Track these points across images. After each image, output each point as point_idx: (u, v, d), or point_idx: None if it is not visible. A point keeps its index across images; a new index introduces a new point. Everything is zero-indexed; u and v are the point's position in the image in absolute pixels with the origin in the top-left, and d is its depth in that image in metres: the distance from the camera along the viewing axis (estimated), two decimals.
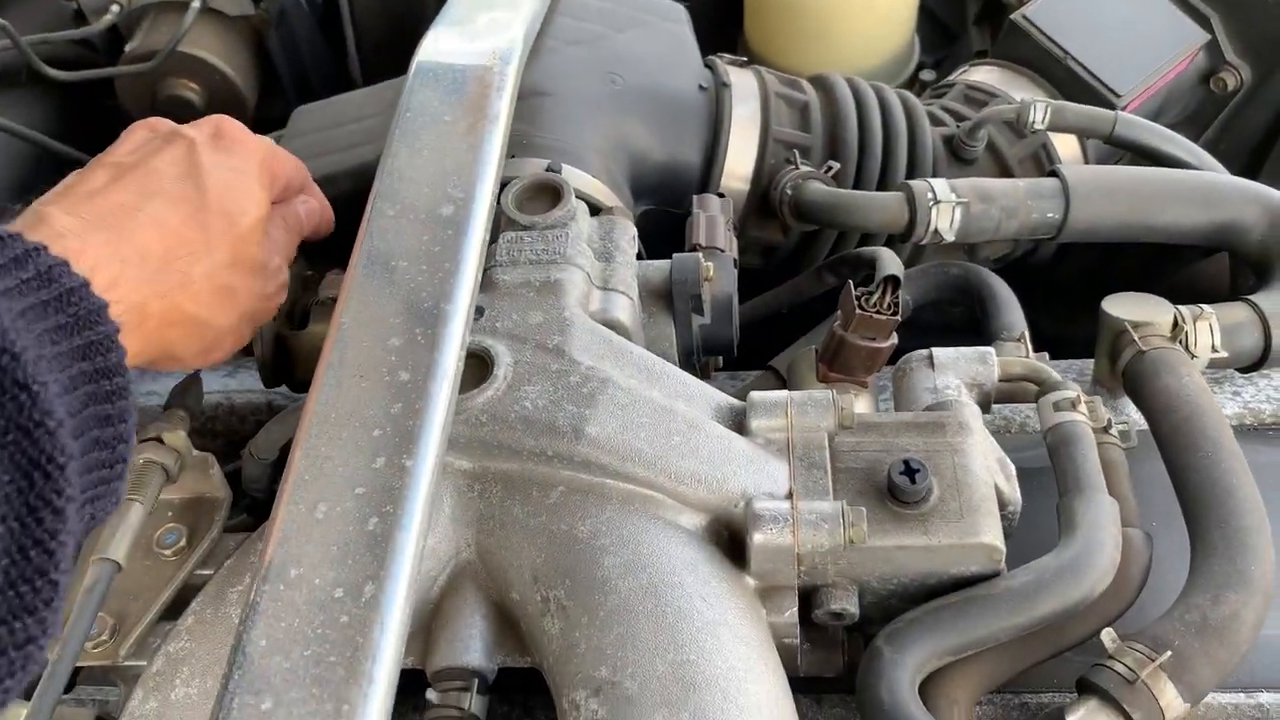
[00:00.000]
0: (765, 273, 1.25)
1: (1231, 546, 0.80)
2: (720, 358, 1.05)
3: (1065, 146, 1.26)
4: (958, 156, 1.21)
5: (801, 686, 0.84)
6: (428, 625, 0.78)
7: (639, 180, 1.11)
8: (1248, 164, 1.49)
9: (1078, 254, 1.49)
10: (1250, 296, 1.02)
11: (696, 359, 0.98)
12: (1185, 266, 1.43)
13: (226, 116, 0.86)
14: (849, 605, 0.79)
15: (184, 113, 1.59)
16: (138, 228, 0.72)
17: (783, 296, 1.17)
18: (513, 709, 0.86)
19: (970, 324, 1.12)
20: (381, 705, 0.58)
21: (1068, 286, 1.47)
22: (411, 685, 0.76)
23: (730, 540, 0.78)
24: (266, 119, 1.63)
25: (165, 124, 0.83)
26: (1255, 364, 1.02)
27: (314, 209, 0.92)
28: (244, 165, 0.81)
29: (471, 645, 0.76)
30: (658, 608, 0.71)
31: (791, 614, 0.77)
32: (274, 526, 0.65)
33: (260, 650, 0.60)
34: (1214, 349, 0.99)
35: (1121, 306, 1.01)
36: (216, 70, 1.57)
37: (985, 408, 0.94)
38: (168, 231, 0.74)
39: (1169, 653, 0.74)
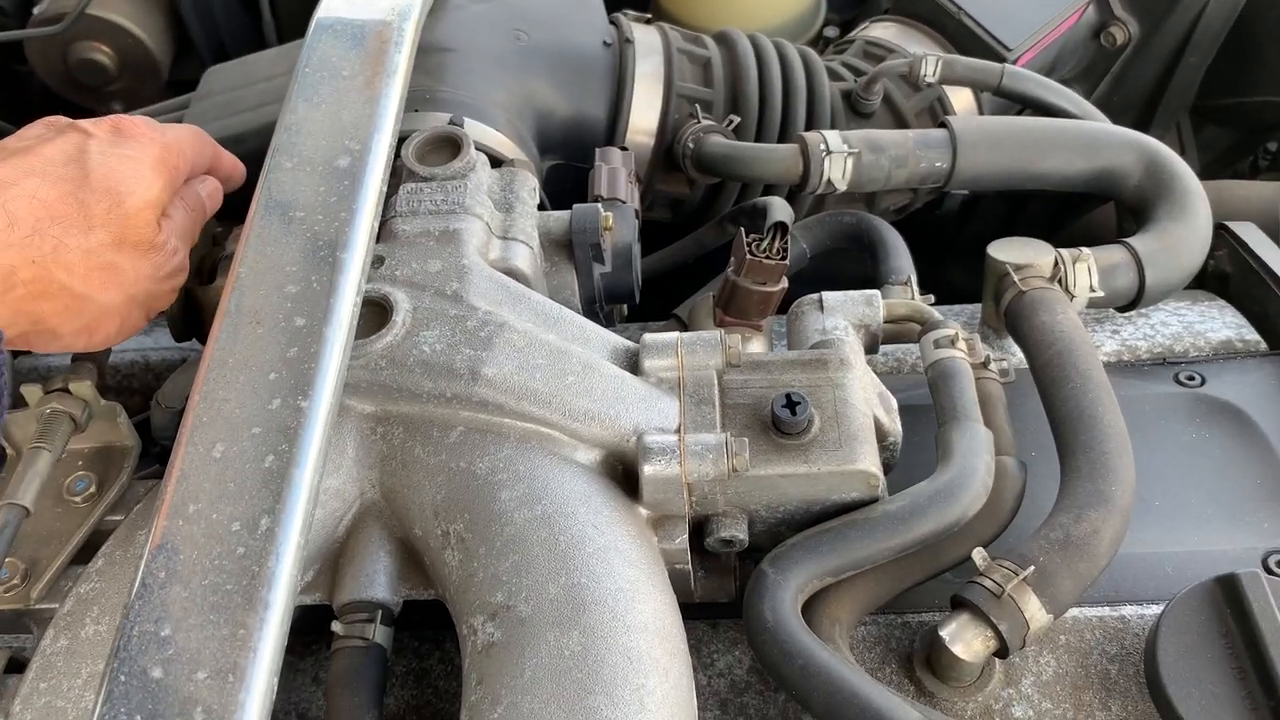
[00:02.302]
0: (674, 225, 1.28)
1: (1094, 469, 0.85)
2: (625, 305, 1.08)
3: (961, 100, 1.31)
4: (856, 110, 1.25)
5: (697, 612, 0.89)
6: (335, 563, 0.82)
7: (545, 135, 1.14)
8: (1140, 116, 1.55)
9: (986, 208, 1.55)
10: (1127, 239, 1.07)
11: (600, 307, 1.01)
12: (1084, 215, 1.49)
13: (128, 116, 0.87)
14: (738, 532, 0.83)
15: (96, 76, 1.59)
16: (10, 200, 0.74)
17: (688, 247, 1.21)
18: (423, 643, 0.90)
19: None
20: (277, 629, 0.61)
21: (978, 239, 1.53)
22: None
23: (624, 473, 0.82)
24: (181, 82, 1.63)
25: (63, 120, 0.84)
26: (1131, 303, 1.07)
27: (214, 189, 0.94)
28: (137, 153, 0.82)
29: (376, 580, 0.79)
30: (551, 536, 0.74)
31: (682, 541, 0.81)
32: (174, 466, 0.68)
33: (159, 581, 0.63)
34: (1092, 289, 1.04)
35: (1005, 251, 1.05)
36: (128, 33, 1.57)
37: (874, 348, 0.98)
38: (41, 204, 0.76)
39: (1032, 568, 0.79)
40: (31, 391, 0.85)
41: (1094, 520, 0.82)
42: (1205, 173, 1.67)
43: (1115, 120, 1.32)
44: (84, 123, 0.84)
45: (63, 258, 0.76)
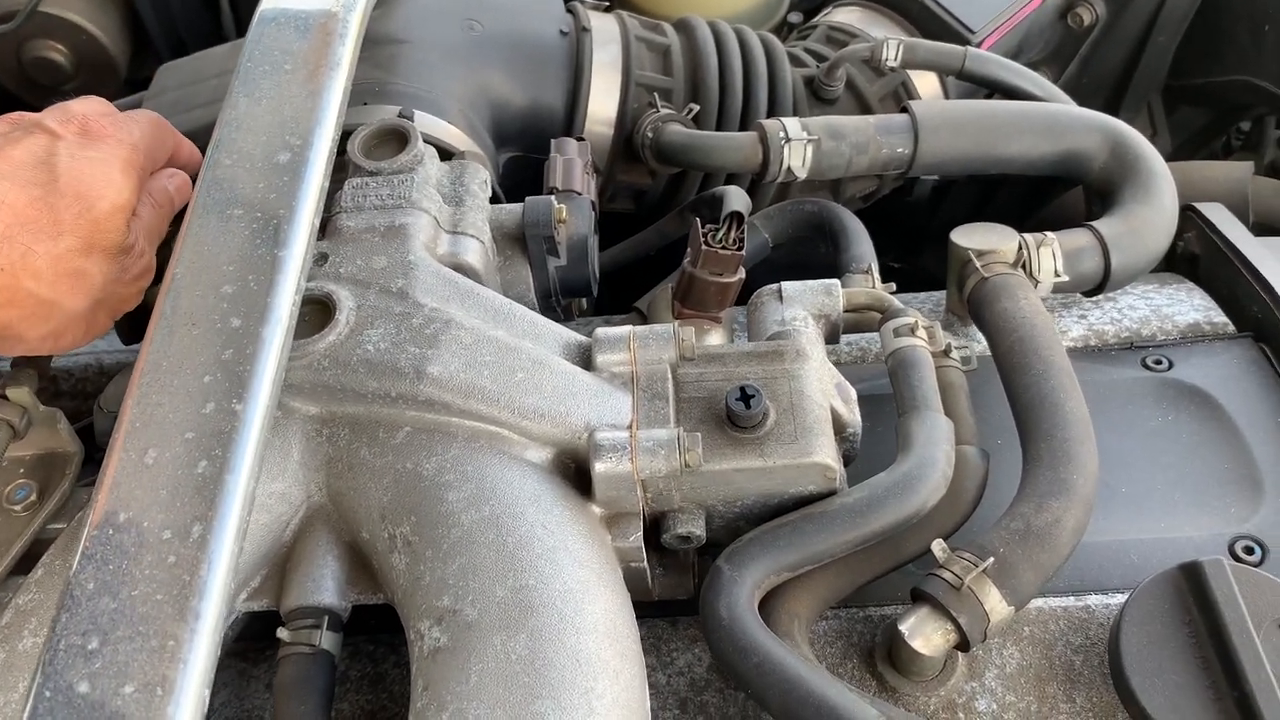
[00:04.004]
0: (637, 216, 1.26)
1: (1056, 457, 0.84)
2: (585, 300, 1.07)
3: (926, 85, 1.29)
4: (818, 96, 1.23)
5: (657, 610, 0.87)
6: (283, 568, 0.80)
7: (501, 126, 1.12)
8: (1109, 98, 1.53)
9: (957, 194, 1.53)
10: (1092, 222, 1.06)
11: (556, 301, 0.99)
12: (1055, 200, 1.48)
13: (96, 113, 0.85)
14: (695, 528, 0.82)
15: (52, 75, 1.57)
16: None
17: (650, 239, 1.19)
18: (378, 648, 0.88)
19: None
20: (208, 640, 0.60)
21: (949, 226, 1.51)
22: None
23: (577, 471, 0.80)
24: (140, 80, 1.61)
25: (30, 118, 0.82)
26: (1097, 287, 1.06)
27: (184, 184, 0.92)
28: (106, 155, 0.81)
29: (324, 585, 0.78)
30: (498, 538, 0.73)
31: (637, 538, 0.79)
32: (105, 474, 0.66)
33: (88, 593, 0.61)
34: (1057, 273, 1.03)
35: (969, 237, 1.04)
36: (83, 31, 1.54)
37: (834, 337, 0.97)
38: (9, 209, 0.74)
39: (991, 559, 0.78)
40: None
41: (1055, 509, 0.81)
42: (1179, 153, 1.67)
43: (1085, 102, 1.30)
44: (51, 121, 0.82)
45: (31, 264, 0.75)
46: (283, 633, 0.76)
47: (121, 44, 1.59)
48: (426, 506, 0.75)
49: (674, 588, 0.86)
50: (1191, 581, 0.79)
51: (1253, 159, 1.56)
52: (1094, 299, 1.10)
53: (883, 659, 0.83)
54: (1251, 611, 0.76)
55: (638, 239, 1.20)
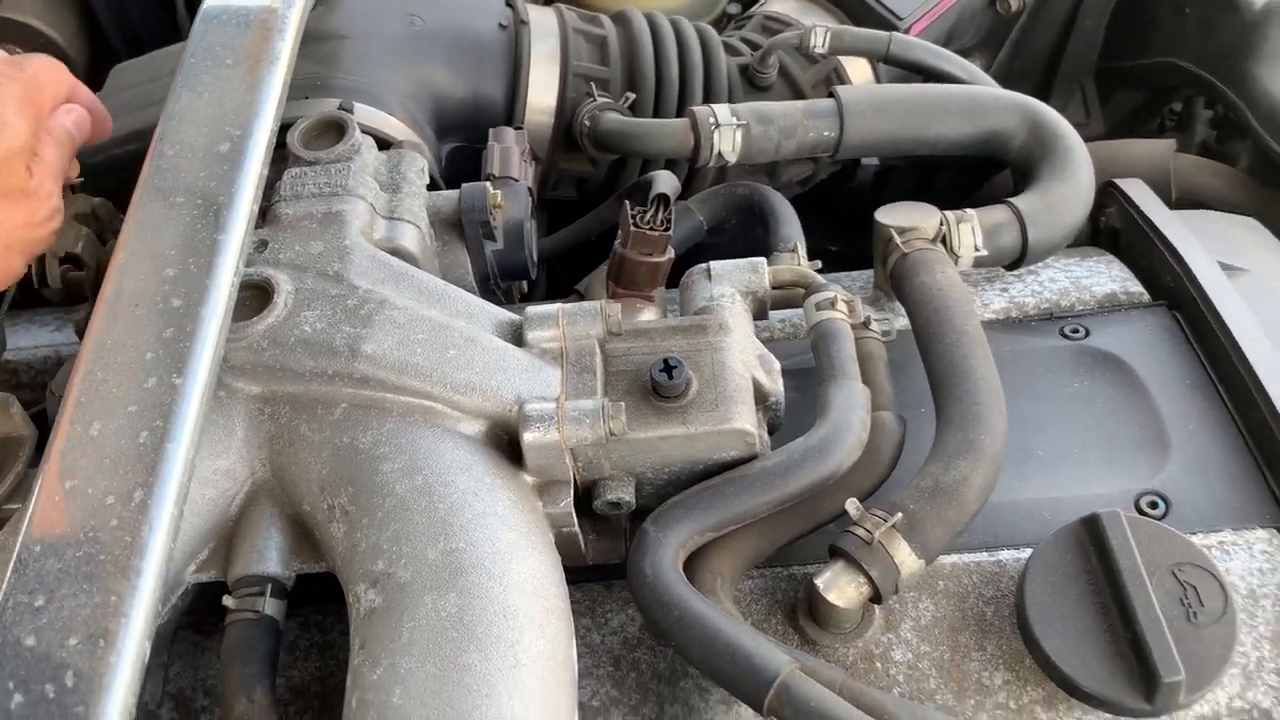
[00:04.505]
0: (581, 203, 1.31)
1: (965, 420, 0.89)
2: (525, 282, 1.11)
3: (859, 72, 1.34)
4: (753, 84, 1.27)
5: (592, 574, 0.92)
6: (229, 541, 0.84)
7: (443, 118, 1.16)
8: (1041, 81, 1.58)
9: (899, 179, 1.57)
10: (1011, 199, 1.10)
11: (495, 283, 1.03)
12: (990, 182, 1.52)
13: None
14: (625, 495, 0.86)
15: None
16: None
17: (590, 224, 1.23)
18: (326, 617, 0.92)
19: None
20: (149, 596, 0.64)
21: None
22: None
23: (510, 443, 0.84)
24: (99, 82, 1.64)
25: None
26: (1017, 260, 1.10)
27: (82, 118, 0.92)
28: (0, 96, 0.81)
29: (268, 555, 0.82)
30: (430, 505, 0.77)
31: (567, 504, 0.83)
32: (53, 445, 0.70)
33: (34, 555, 0.65)
34: (976, 248, 1.07)
35: (892, 215, 1.08)
36: (40, 34, 1.57)
37: (762, 313, 1.01)
38: None
39: (900, 514, 0.82)
40: None
41: (963, 468, 0.85)
42: (1115, 135, 1.72)
43: (1017, 86, 1.35)
44: None
45: None
46: (228, 600, 0.80)
47: (79, 46, 1.62)
48: (362, 478, 0.79)
49: (607, 552, 0.90)
50: (1091, 533, 0.84)
51: (1184, 139, 1.61)
52: (1016, 272, 1.15)
53: (804, 614, 0.88)
54: (1145, 559, 0.81)
55: (579, 225, 1.24)
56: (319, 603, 0.93)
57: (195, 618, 0.92)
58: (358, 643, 0.73)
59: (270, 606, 0.79)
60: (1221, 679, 0.81)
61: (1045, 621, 0.81)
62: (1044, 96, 1.59)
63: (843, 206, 1.56)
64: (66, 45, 1.60)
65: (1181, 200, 1.32)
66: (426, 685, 0.69)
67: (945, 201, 1.11)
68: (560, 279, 1.30)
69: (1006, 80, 1.54)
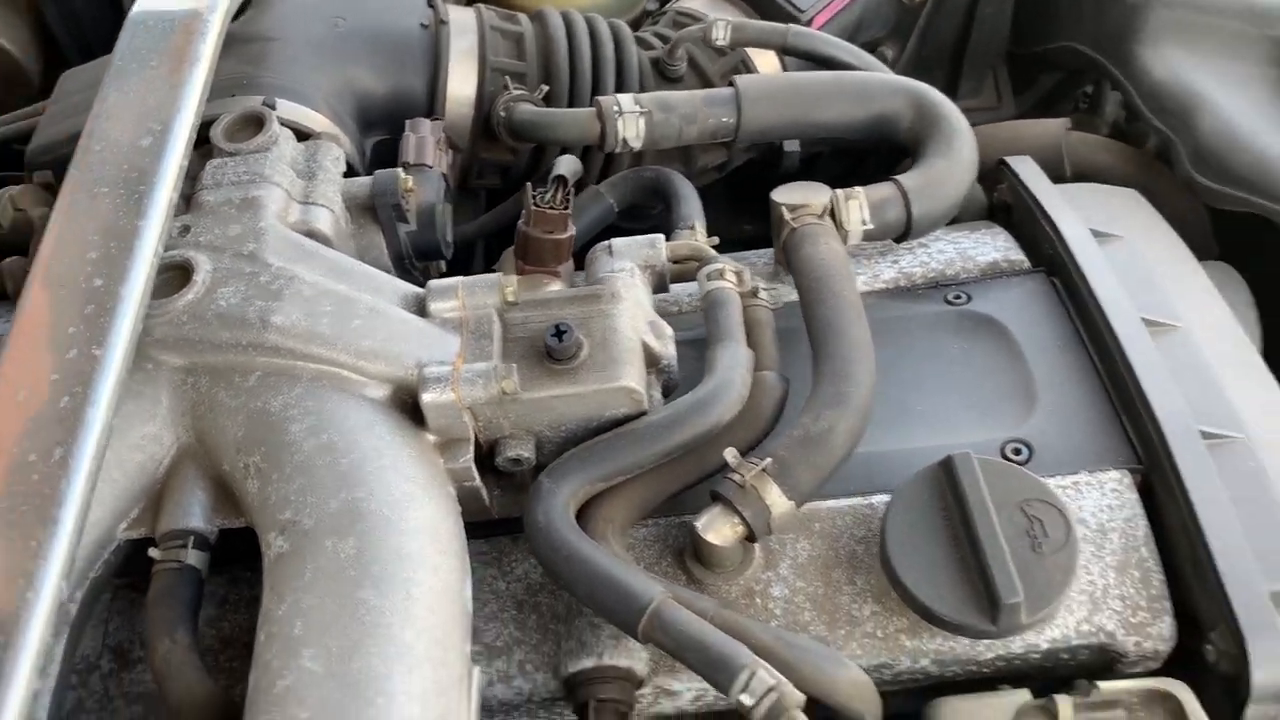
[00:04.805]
0: (504, 190, 1.38)
1: (836, 375, 0.96)
2: (443, 263, 1.18)
3: (767, 62, 1.41)
4: (664, 76, 1.35)
5: (499, 528, 0.99)
6: (158, 501, 0.91)
7: (367, 113, 1.23)
8: (950, 69, 1.66)
9: (823, 166, 1.65)
10: (896, 176, 1.18)
11: (410, 264, 1.11)
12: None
13: None
14: (524, 451, 0.93)
15: None
16: None
17: (509, 209, 1.31)
18: (255, 574, 0.99)
19: None
20: (66, 540, 0.71)
21: None
22: None
23: (413, 405, 0.91)
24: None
25: None
26: (904, 233, 1.18)
27: None
28: None
29: (192, 511, 0.89)
30: (334, 460, 0.84)
31: (467, 460, 0.91)
32: None
33: None
34: (864, 222, 1.15)
35: (786, 194, 1.16)
36: None
37: (662, 286, 1.09)
38: None
39: (769, 459, 0.90)
40: None
41: (830, 418, 0.93)
42: (1031, 116, 1.79)
43: (927, 74, 1.43)
44: None
45: None
46: (154, 552, 0.87)
47: (33, 56, 1.69)
48: (273, 438, 0.87)
49: (512, 506, 0.98)
50: (946, 474, 0.91)
51: (1096, 121, 1.68)
52: (907, 245, 1.22)
53: (690, 556, 0.95)
54: (994, 496, 0.89)
55: (499, 210, 1.31)
56: (248, 561, 1.00)
57: (133, 578, 0.99)
58: (268, 585, 0.81)
59: (193, 557, 0.87)
60: (1065, 602, 0.89)
61: (904, 555, 0.89)
62: (954, 82, 1.67)
63: (768, 191, 1.64)
64: (21, 56, 1.67)
65: (1075, 175, 1.40)
66: (324, 618, 0.76)
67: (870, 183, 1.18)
68: (482, 264, 1.38)
69: (917, 68, 1.62)
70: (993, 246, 1.23)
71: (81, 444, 0.75)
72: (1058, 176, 1.35)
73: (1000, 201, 1.32)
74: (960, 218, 1.32)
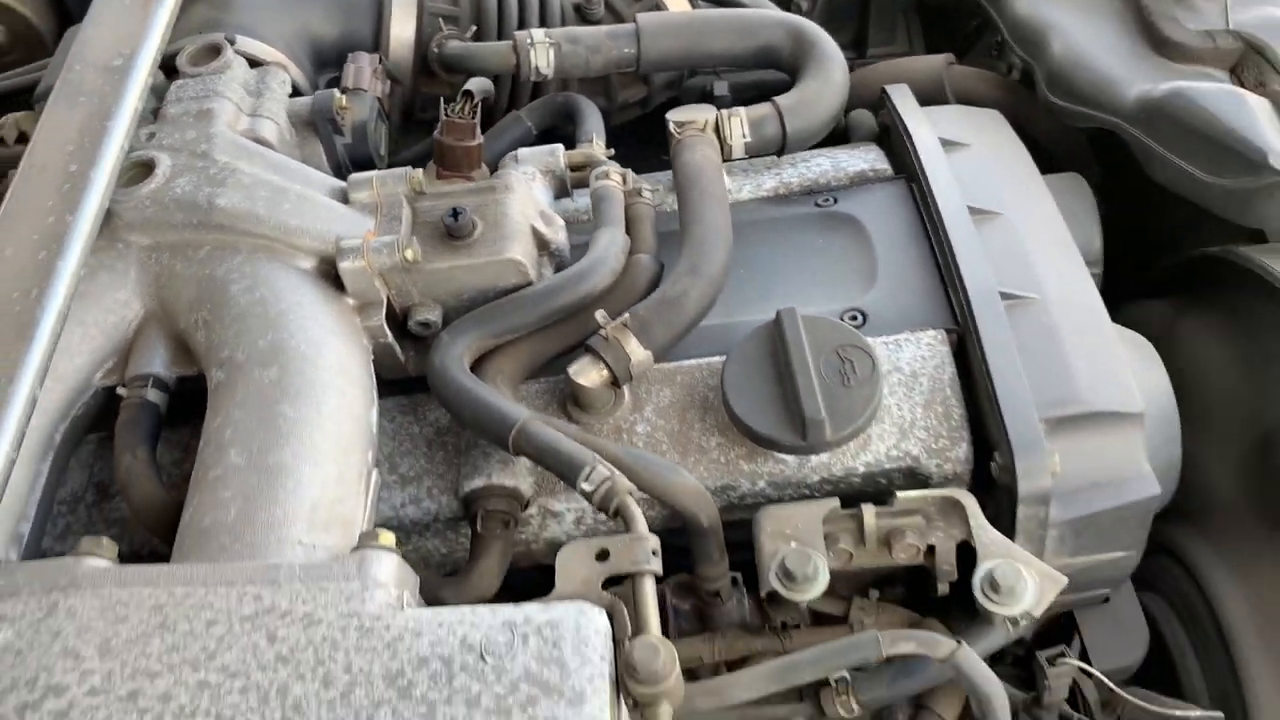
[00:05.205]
0: None
1: (693, 251, 1.15)
2: None
3: (680, 4, 1.59)
4: (584, 18, 1.53)
5: (417, 384, 1.17)
6: (126, 355, 1.10)
7: (320, 54, 1.43)
8: (859, 20, 1.82)
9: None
10: (775, 97, 1.35)
11: (347, 171, 1.29)
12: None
13: None
14: (431, 316, 1.12)
15: None
16: None
17: None
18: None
19: None
20: (40, 355, 0.89)
21: None
22: None
23: (336, 275, 1.10)
24: None
25: None
26: (781, 147, 1.35)
27: None
28: None
29: (154, 360, 1.08)
30: (264, 310, 1.04)
31: (379, 319, 1.09)
32: None
33: None
34: (744, 136, 1.32)
35: (677, 114, 1.33)
36: (13, 11, 1.85)
37: (563, 190, 1.27)
38: None
39: (627, 315, 1.08)
40: None
41: (684, 284, 1.11)
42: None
43: (840, 23, 1.61)
44: None
45: None
46: (121, 390, 1.06)
47: (48, 19, 1.90)
48: (217, 296, 1.06)
49: (424, 365, 1.16)
50: (776, 327, 1.09)
51: (999, 65, 1.83)
52: (790, 159, 1.40)
53: (570, 403, 1.14)
54: (812, 342, 1.06)
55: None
56: None
57: (111, 432, 1.19)
58: (209, 407, 1.00)
59: (153, 395, 1.06)
60: (871, 426, 1.06)
61: (738, 391, 1.07)
62: (864, 31, 1.84)
63: None
64: (37, 21, 1.88)
65: (959, 103, 1.56)
66: (249, 426, 0.95)
67: None
68: None
69: (829, 19, 1.78)
70: (863, 160, 1.40)
71: (54, 286, 0.94)
72: (941, 104, 1.52)
73: (880, 124, 1.49)
74: (852, 140, 1.50)
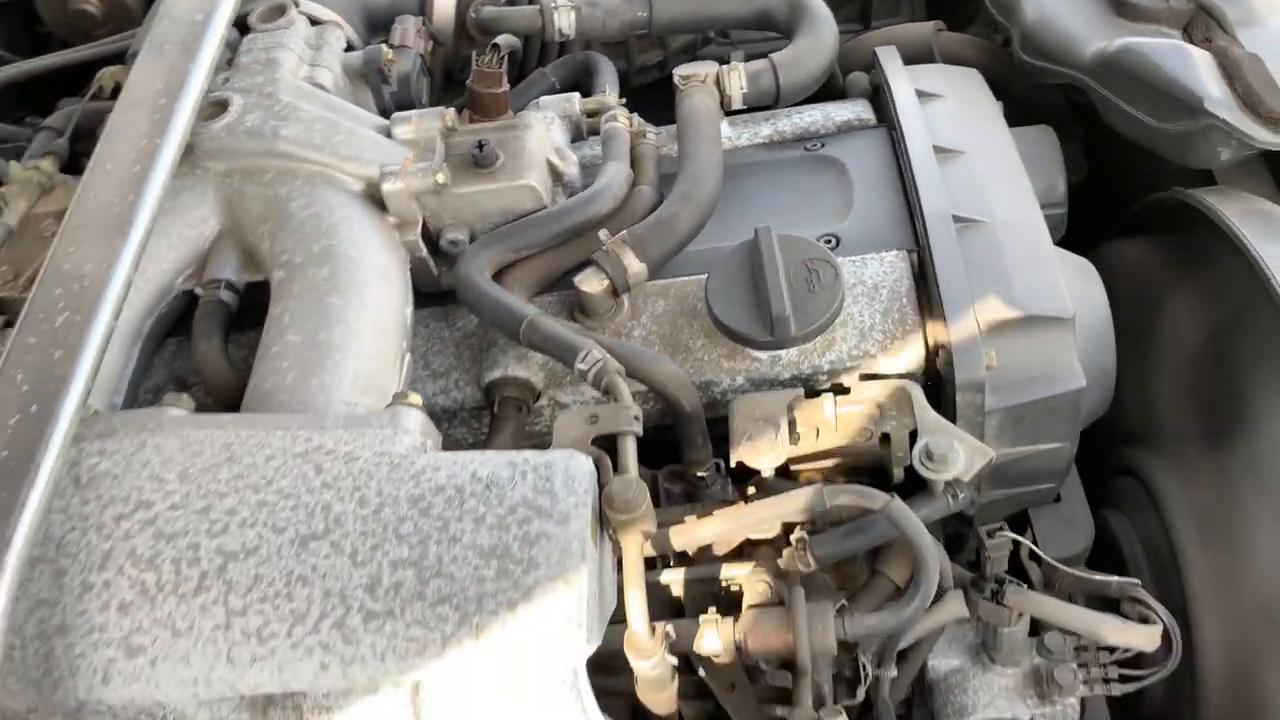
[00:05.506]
0: None
1: (685, 180, 1.32)
2: None
3: None
4: None
5: (449, 297, 1.35)
6: (204, 263, 1.30)
7: (372, 19, 1.63)
8: (863, 1, 1.98)
9: None
10: (771, 54, 1.52)
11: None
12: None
13: None
14: (459, 235, 1.31)
15: (87, 23, 2.11)
16: None
17: None
18: None
19: None
20: (134, 248, 1.09)
21: None
22: None
23: (379, 200, 1.29)
24: None
25: None
26: (775, 99, 1.52)
27: None
28: None
29: (227, 267, 1.28)
30: (319, 223, 1.23)
31: (415, 235, 1.28)
32: (85, 180, 1.17)
33: (75, 222, 1.12)
34: (742, 88, 1.49)
35: (683, 69, 1.51)
36: None
37: (579, 134, 1.46)
38: None
39: (625, 232, 1.26)
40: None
41: (676, 207, 1.29)
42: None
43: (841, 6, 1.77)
44: None
45: None
46: (198, 289, 1.26)
47: None
48: (281, 212, 1.26)
49: (454, 276, 1.35)
50: (754, 243, 1.26)
51: (996, 37, 1.97)
52: (785, 111, 1.57)
53: (577, 310, 1.31)
54: (784, 255, 1.23)
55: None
56: None
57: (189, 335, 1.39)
58: (271, 300, 1.19)
59: (225, 295, 1.26)
60: (834, 327, 1.23)
61: (718, 297, 1.24)
62: (868, 3, 2.00)
63: None
64: None
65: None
66: (304, 311, 1.15)
67: None
68: None
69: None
70: (851, 111, 1.56)
71: (146, 193, 1.13)
72: None
73: (872, 83, 1.65)
74: (849, 96, 1.66)
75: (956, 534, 1.37)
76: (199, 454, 1.01)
